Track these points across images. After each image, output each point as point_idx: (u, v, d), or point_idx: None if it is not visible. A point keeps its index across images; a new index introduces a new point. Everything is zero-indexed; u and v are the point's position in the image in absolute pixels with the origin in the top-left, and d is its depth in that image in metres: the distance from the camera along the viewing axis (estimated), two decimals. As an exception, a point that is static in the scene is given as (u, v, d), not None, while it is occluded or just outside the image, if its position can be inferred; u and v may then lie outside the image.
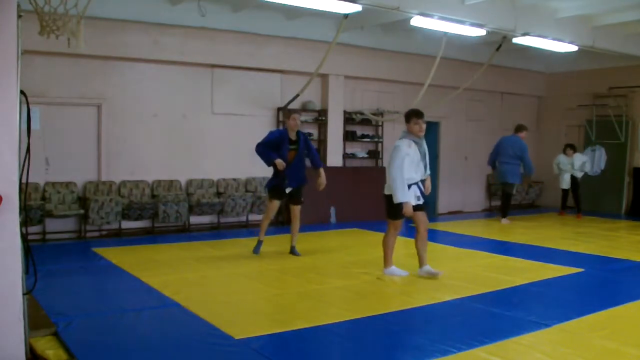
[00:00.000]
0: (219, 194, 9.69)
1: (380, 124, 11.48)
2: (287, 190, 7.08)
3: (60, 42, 5.18)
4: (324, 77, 10.74)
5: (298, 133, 7.12)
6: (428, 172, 6.21)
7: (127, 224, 8.90)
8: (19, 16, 3.41)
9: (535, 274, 6.42)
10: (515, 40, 9.36)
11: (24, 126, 3.55)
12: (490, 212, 13.08)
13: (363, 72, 11.06)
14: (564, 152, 11.86)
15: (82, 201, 8.49)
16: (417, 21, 8.09)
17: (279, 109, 10.33)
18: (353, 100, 11.24)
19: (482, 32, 8.83)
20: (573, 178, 11.74)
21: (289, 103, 10.05)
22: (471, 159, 13.05)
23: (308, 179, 7.30)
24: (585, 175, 12.00)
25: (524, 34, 9.02)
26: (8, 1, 3.29)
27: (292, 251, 7.30)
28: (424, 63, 10.11)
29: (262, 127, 10.26)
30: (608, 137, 12.65)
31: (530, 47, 10.14)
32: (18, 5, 3.38)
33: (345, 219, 10.73)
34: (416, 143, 6.00)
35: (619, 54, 10.63)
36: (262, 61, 9.95)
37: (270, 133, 7.27)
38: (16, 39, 3.36)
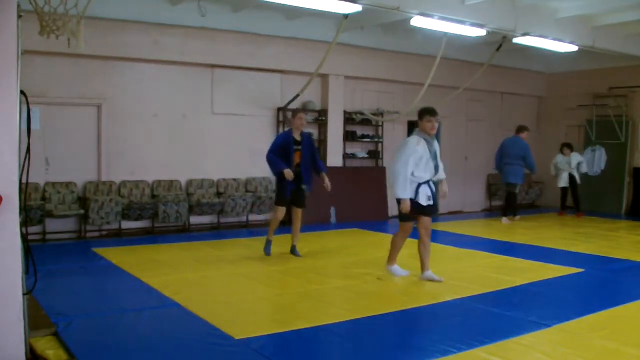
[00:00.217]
0: (219, 194, 9.69)
1: (380, 124, 11.48)
2: (305, 187, 7.07)
3: (60, 42, 5.18)
4: (324, 77, 10.74)
5: (302, 134, 7.09)
6: (443, 174, 6.07)
7: (127, 224, 8.90)
8: (19, 16, 3.41)
9: (535, 274, 6.42)
10: (515, 40, 9.37)
11: (24, 126, 3.55)
12: (490, 212, 13.09)
13: (363, 72, 11.06)
14: (561, 151, 11.89)
15: (82, 201, 8.49)
16: (417, 21, 8.09)
17: (279, 109, 10.33)
18: (353, 100, 11.24)
19: (482, 32, 8.83)
20: (571, 177, 11.75)
21: (289, 103, 10.05)
22: (471, 159, 13.05)
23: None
24: (585, 175, 12.02)
25: (524, 34, 9.02)
26: (8, 1, 3.29)
27: (293, 251, 7.29)
28: (424, 63, 10.11)
29: (262, 127, 10.30)
30: (608, 137, 12.65)
31: (530, 47, 10.15)
32: (18, 5, 3.38)
33: (345, 219, 10.73)
34: (427, 141, 5.81)
35: (619, 54, 10.63)
36: (262, 61, 9.95)
37: (277, 137, 7.24)
38: (16, 39, 3.36)
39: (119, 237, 8.70)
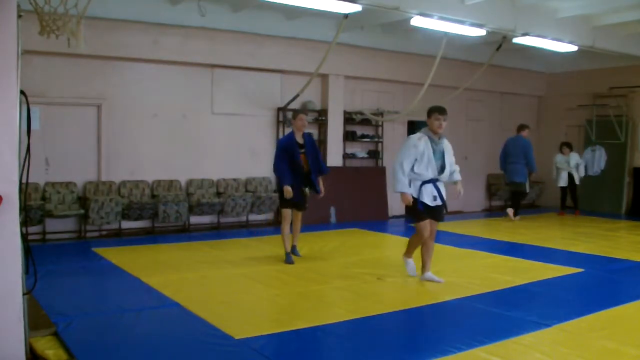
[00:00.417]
0: (219, 194, 9.69)
1: (380, 124, 11.48)
2: (307, 190, 6.95)
3: (60, 42, 5.19)
4: (324, 77, 10.74)
5: (303, 135, 6.98)
6: (457, 176, 6.01)
7: (127, 224, 8.90)
8: (19, 16, 3.41)
9: (535, 274, 6.42)
10: (515, 40, 9.37)
11: (24, 126, 3.55)
12: (490, 212, 13.09)
13: (363, 72, 11.06)
14: (561, 150, 11.92)
15: (82, 201, 8.49)
16: (417, 21, 8.09)
17: (279, 109, 10.33)
18: (353, 100, 11.24)
19: (482, 32, 8.83)
20: (571, 176, 11.77)
21: (289, 103, 10.05)
22: (471, 159, 13.04)
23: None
24: (585, 175, 12.03)
25: (524, 34, 9.02)
26: (8, 1, 3.29)
27: (293, 251, 7.27)
28: (424, 63, 10.11)
29: (262, 127, 10.30)
30: (608, 137, 12.65)
31: (530, 47, 10.15)
32: (18, 5, 3.38)
33: (345, 219, 10.73)
34: (431, 140, 5.74)
35: (619, 54, 10.63)
36: (262, 61, 9.95)
37: (279, 143, 7.08)
38: (16, 39, 3.36)
39: (119, 237, 8.70)
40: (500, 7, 8.51)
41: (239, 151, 10.05)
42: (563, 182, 11.89)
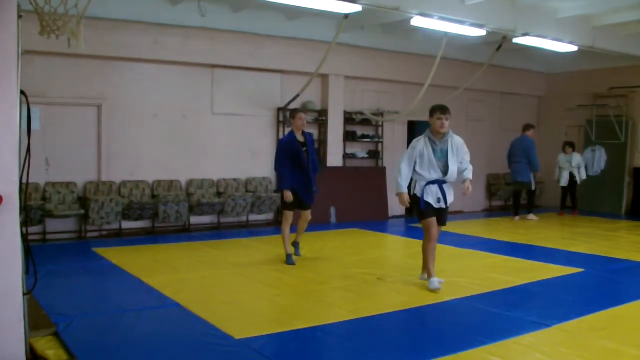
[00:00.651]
0: (219, 194, 9.69)
1: (380, 124, 11.48)
2: (315, 193, 6.91)
3: (60, 42, 5.19)
4: (324, 77, 10.74)
5: (303, 133, 6.94)
6: (468, 176, 5.73)
7: (127, 224, 8.90)
8: (19, 16, 3.41)
9: (535, 274, 6.42)
10: (515, 40, 9.37)
11: (24, 126, 3.55)
12: (490, 212, 13.09)
13: (363, 72, 11.06)
14: (563, 150, 11.93)
15: (82, 201, 8.49)
16: (417, 21, 8.09)
17: (279, 109, 10.33)
18: (353, 100, 11.24)
19: (482, 32, 8.83)
20: (572, 176, 11.79)
21: (289, 103, 10.05)
22: (471, 159, 12.92)
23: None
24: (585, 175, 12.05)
25: (524, 34, 9.02)
26: (8, 1, 3.29)
27: (294, 245, 7.18)
28: (424, 63, 10.11)
29: (262, 127, 10.30)
30: (608, 137, 12.65)
31: (530, 47, 10.15)
32: (18, 5, 3.38)
33: (345, 219, 10.73)
34: (431, 140, 5.64)
35: (619, 54, 10.63)
36: (262, 61, 9.95)
37: (280, 144, 6.96)
38: (16, 39, 3.36)
39: (119, 237, 8.70)
40: (500, 7, 8.51)
41: (239, 151, 10.05)
42: (564, 182, 11.91)
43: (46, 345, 3.96)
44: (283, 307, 5.19)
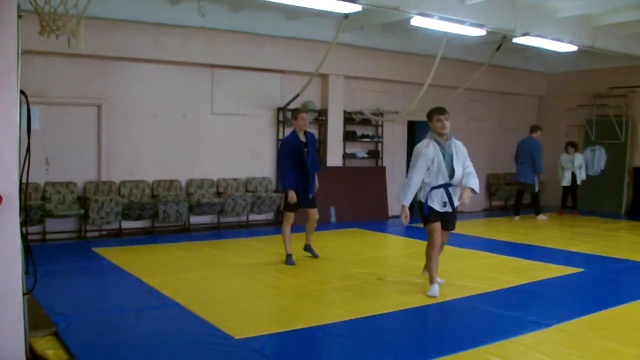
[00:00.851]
0: (219, 194, 9.69)
1: (380, 124, 11.48)
2: (311, 196, 6.85)
3: (60, 42, 5.18)
4: (324, 77, 10.74)
5: (306, 133, 6.91)
6: (469, 184, 5.45)
7: (127, 224, 8.90)
8: (19, 16, 3.41)
9: (535, 274, 6.42)
10: (515, 40, 9.36)
11: (24, 126, 3.55)
12: (490, 212, 13.09)
13: (363, 72, 11.06)
14: (566, 150, 11.93)
15: (82, 201, 8.49)
16: (417, 21, 8.09)
17: (279, 109, 10.33)
18: (353, 100, 11.24)
19: (482, 32, 8.83)
20: (574, 176, 11.79)
21: (289, 103, 10.05)
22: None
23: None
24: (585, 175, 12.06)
25: (524, 34, 9.02)
26: (8, 1, 3.29)
27: (309, 249, 7.16)
28: (424, 63, 10.11)
29: (262, 127, 10.30)
30: (608, 137, 12.65)
31: (531, 47, 10.15)
32: (18, 5, 3.38)
33: (345, 219, 10.73)
34: (439, 144, 5.40)
35: (619, 54, 10.63)
36: (262, 61, 9.95)
37: (283, 145, 6.89)
38: (16, 39, 3.36)
39: (119, 237, 8.70)
40: (500, 7, 8.51)
41: (239, 151, 10.05)
42: (566, 182, 11.91)
43: (46, 345, 3.96)
44: (283, 307, 5.19)
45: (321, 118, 10.79)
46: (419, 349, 4.05)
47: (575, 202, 12.10)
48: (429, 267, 5.55)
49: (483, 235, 9.41)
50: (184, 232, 9.25)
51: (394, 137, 11.84)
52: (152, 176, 9.23)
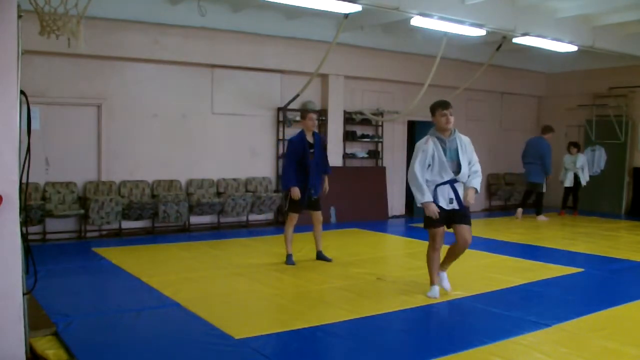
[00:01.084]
0: (219, 194, 9.69)
1: (380, 124, 11.48)
2: (314, 198, 6.80)
3: (60, 42, 5.19)
4: (324, 77, 10.74)
5: (314, 134, 6.84)
6: (472, 184, 5.29)
7: (127, 224, 8.90)
8: (19, 16, 3.41)
9: (535, 274, 6.42)
10: (515, 40, 9.37)
11: (24, 126, 3.55)
12: (490, 212, 13.09)
13: (363, 72, 11.06)
14: (568, 150, 11.93)
15: (82, 201, 8.49)
16: (417, 21, 8.09)
17: (279, 109, 10.33)
18: (353, 100, 11.24)
19: (482, 32, 8.83)
20: (576, 177, 11.80)
21: (289, 103, 10.05)
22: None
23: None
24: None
25: (524, 34, 9.02)
26: (8, 1, 3.29)
27: (320, 256, 7.04)
28: (424, 63, 10.12)
29: (262, 127, 10.30)
30: (608, 137, 12.66)
31: (530, 47, 10.15)
32: (18, 5, 3.38)
33: (345, 219, 10.73)
34: (439, 139, 5.26)
35: (619, 54, 10.63)
36: (262, 61, 9.95)
37: (290, 144, 6.80)
38: (16, 39, 3.36)
39: (119, 237, 8.70)
40: (500, 7, 8.52)
41: (239, 151, 10.05)
42: (569, 182, 11.90)
43: (46, 345, 3.96)
44: (283, 307, 5.19)
45: (321, 118, 10.78)
46: (419, 349, 4.05)
47: (576, 202, 12.11)
48: (429, 269, 5.51)
49: (483, 235, 9.39)
50: (184, 232, 9.25)
51: (394, 137, 11.84)
52: (152, 176, 9.23)
